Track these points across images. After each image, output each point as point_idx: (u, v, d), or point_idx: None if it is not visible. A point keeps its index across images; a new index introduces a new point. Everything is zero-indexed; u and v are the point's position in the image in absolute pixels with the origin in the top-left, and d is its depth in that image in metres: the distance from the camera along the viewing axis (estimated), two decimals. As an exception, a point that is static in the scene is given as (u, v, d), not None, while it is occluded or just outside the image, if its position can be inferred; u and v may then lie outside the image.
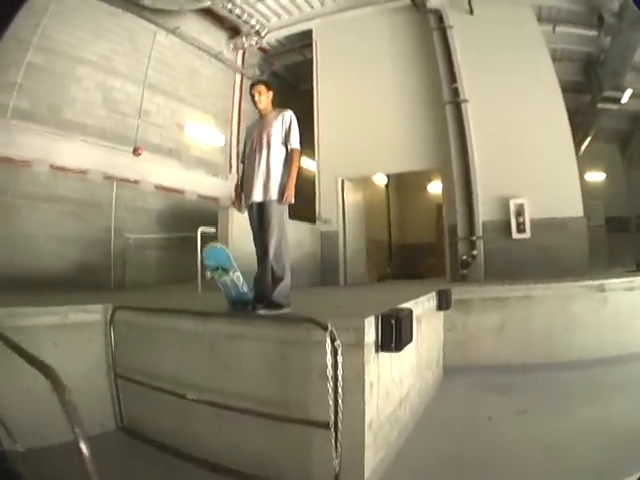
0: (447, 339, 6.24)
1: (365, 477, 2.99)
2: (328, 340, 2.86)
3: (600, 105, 11.73)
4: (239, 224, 6.78)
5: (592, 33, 10.45)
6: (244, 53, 12.64)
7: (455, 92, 9.24)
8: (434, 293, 5.70)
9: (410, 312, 3.61)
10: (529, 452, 3.59)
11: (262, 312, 3.66)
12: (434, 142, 9.56)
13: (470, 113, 9.09)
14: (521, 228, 8.59)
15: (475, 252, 8.78)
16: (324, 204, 10.56)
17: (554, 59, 9.55)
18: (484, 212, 8.87)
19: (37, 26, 8.02)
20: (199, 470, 3.44)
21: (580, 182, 8.82)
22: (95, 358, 4.41)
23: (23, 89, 7.88)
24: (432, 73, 9.63)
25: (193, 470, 3.46)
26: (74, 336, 4.34)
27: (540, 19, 9.80)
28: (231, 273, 3.68)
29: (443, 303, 5.82)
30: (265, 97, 4.17)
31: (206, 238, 7.97)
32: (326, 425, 2.88)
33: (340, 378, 2.84)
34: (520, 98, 8.89)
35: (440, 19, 9.60)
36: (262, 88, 4.17)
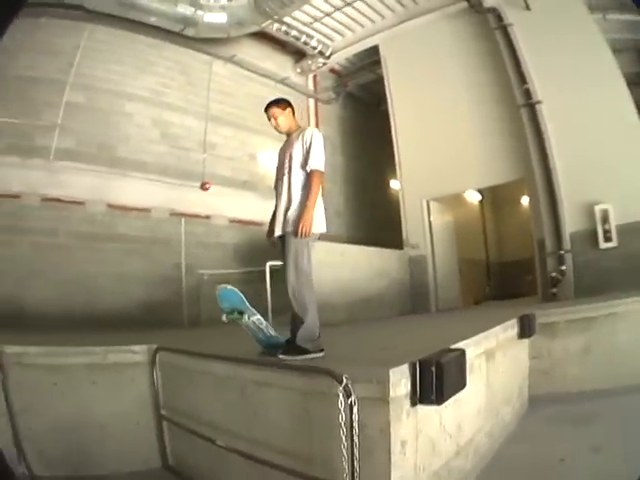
0: (532, 367, 5.63)
1: None
2: (340, 395, 2.49)
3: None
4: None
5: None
6: (315, 77, 12.59)
7: (527, 93, 8.65)
8: (515, 320, 5.15)
9: (461, 354, 3.06)
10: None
11: (281, 357, 3.28)
12: (514, 151, 9.05)
13: (545, 114, 8.46)
14: (608, 236, 7.88)
15: (564, 267, 8.20)
16: (410, 228, 10.28)
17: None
18: (570, 222, 8.22)
19: (70, 65, 8.12)
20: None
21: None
22: (139, 397, 4.40)
23: (65, 129, 7.98)
24: (501, 76, 9.08)
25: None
26: (115, 375, 4.37)
27: (590, 7, 8.93)
28: (246, 316, 3.38)
29: (526, 330, 5.21)
30: (283, 118, 3.69)
31: (276, 272, 7.82)
32: (346, 490, 2.51)
33: (356, 437, 2.46)
34: (589, 91, 8.13)
35: (499, 18, 9.06)
36: (275, 110, 3.68)
